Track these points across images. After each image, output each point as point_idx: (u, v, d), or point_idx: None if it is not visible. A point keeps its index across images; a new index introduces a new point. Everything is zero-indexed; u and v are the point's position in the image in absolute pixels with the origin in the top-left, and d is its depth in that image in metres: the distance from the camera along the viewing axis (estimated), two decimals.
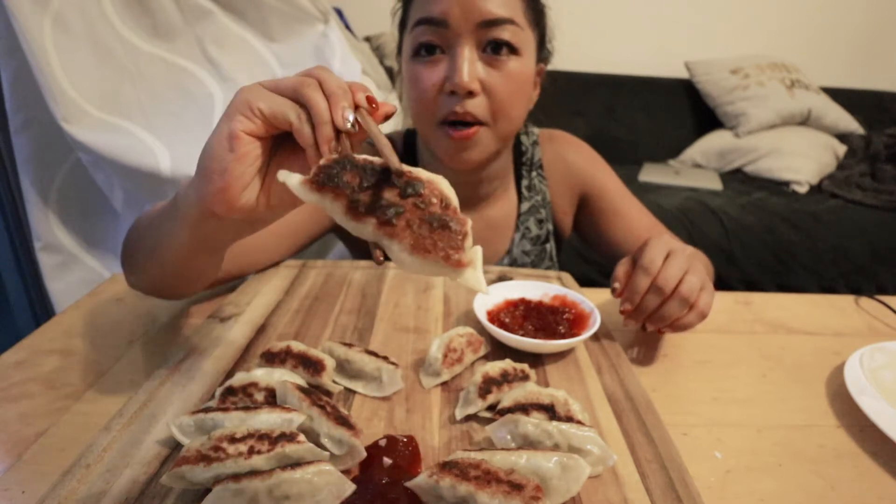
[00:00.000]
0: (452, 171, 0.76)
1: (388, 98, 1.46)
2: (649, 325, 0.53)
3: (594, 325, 0.53)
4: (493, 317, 0.56)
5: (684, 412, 0.49)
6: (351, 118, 0.34)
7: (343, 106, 0.34)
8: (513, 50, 0.65)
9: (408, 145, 0.82)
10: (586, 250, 1.08)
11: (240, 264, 0.66)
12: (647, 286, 0.51)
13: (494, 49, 0.64)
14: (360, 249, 0.86)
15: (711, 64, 2.21)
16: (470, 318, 0.59)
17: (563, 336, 0.54)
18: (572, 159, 0.85)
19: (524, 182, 0.84)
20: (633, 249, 0.73)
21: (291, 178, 0.31)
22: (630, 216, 0.83)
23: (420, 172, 0.33)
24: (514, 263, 0.83)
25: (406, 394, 0.46)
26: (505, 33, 0.63)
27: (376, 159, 0.33)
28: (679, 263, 0.51)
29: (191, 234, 0.41)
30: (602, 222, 0.83)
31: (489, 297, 0.58)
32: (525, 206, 0.83)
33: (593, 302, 0.63)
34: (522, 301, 0.59)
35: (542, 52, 0.75)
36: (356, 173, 0.31)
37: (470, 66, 0.63)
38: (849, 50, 2.45)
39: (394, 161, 0.31)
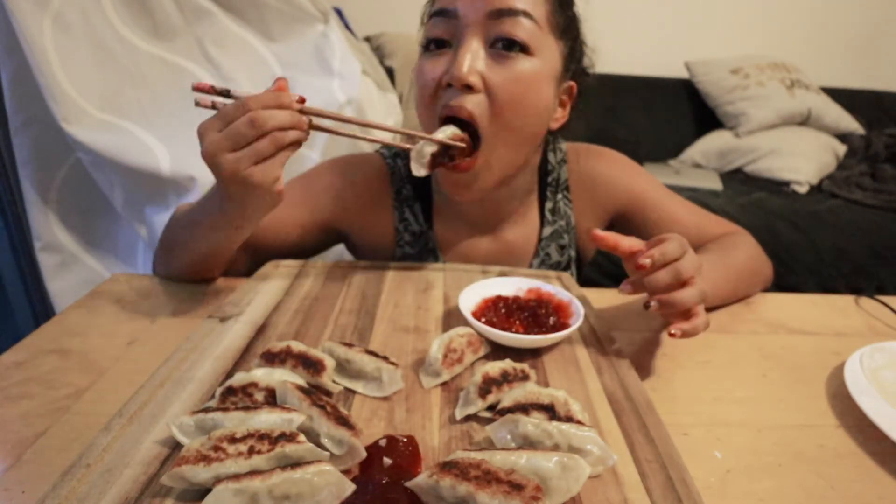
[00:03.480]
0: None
1: (386, 98, 1.46)
2: (645, 292, 0.51)
3: (578, 314, 0.54)
4: (478, 317, 0.55)
5: (684, 412, 0.49)
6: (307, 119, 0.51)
7: (304, 122, 0.51)
8: (524, 48, 0.60)
9: None
10: None
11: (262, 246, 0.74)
12: (649, 259, 0.49)
13: (502, 45, 0.60)
14: (362, 254, 0.85)
15: (711, 64, 2.21)
16: None
17: (553, 328, 0.54)
18: (605, 175, 0.78)
19: (548, 205, 0.78)
20: None
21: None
22: (677, 220, 0.77)
23: None
24: None
25: (406, 394, 0.46)
26: (516, 27, 0.59)
27: None
28: (683, 250, 0.50)
29: (245, 232, 0.59)
30: (648, 233, 0.73)
31: (468, 299, 0.57)
32: (547, 230, 0.78)
33: (593, 301, 0.63)
34: (500, 298, 0.58)
35: (575, 68, 0.70)
36: None
37: (472, 58, 0.59)
38: (849, 50, 2.45)
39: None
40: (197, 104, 0.51)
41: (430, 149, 0.60)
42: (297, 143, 0.51)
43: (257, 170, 0.49)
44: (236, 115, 0.48)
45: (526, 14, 0.60)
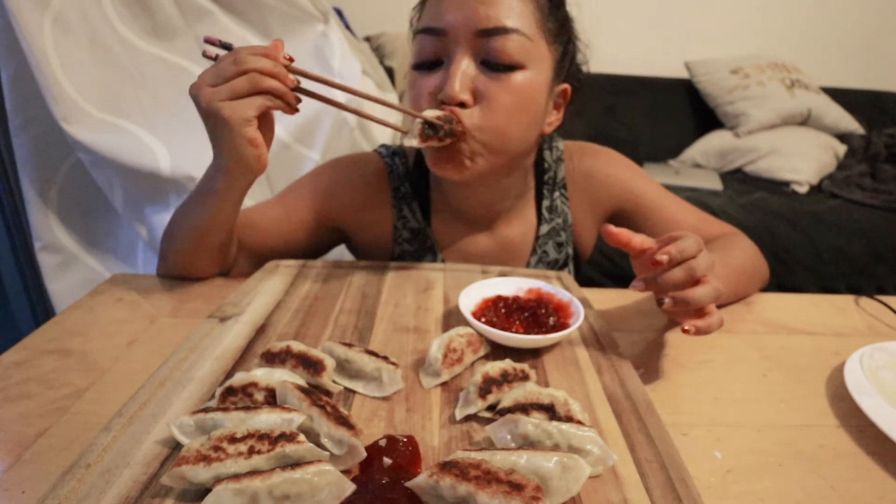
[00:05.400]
0: (464, 187, 0.73)
1: (387, 97, 1.46)
2: (655, 290, 0.51)
3: (578, 314, 0.54)
4: (478, 317, 0.55)
5: (684, 412, 0.49)
6: (294, 79, 0.55)
7: (286, 75, 0.54)
8: (515, 65, 0.61)
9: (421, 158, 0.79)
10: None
11: (255, 246, 0.74)
12: (666, 255, 0.49)
13: (494, 64, 0.60)
14: (361, 253, 0.86)
15: (711, 64, 2.21)
16: None
17: (553, 328, 0.54)
18: (602, 173, 0.79)
19: (545, 203, 0.78)
20: None
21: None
22: (674, 220, 0.77)
23: None
24: None
25: (406, 394, 0.46)
26: (507, 45, 0.60)
27: None
28: (699, 248, 0.50)
29: (230, 200, 0.61)
30: (644, 232, 0.73)
31: (468, 299, 0.57)
32: (544, 228, 0.78)
33: (593, 301, 0.63)
34: (500, 298, 0.59)
35: (567, 70, 0.69)
36: None
37: (463, 76, 0.60)
38: (849, 50, 2.45)
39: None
40: (204, 54, 0.57)
41: (420, 121, 0.61)
42: (278, 96, 0.54)
43: (227, 104, 0.53)
44: (226, 59, 0.54)
45: (516, 31, 0.60)
